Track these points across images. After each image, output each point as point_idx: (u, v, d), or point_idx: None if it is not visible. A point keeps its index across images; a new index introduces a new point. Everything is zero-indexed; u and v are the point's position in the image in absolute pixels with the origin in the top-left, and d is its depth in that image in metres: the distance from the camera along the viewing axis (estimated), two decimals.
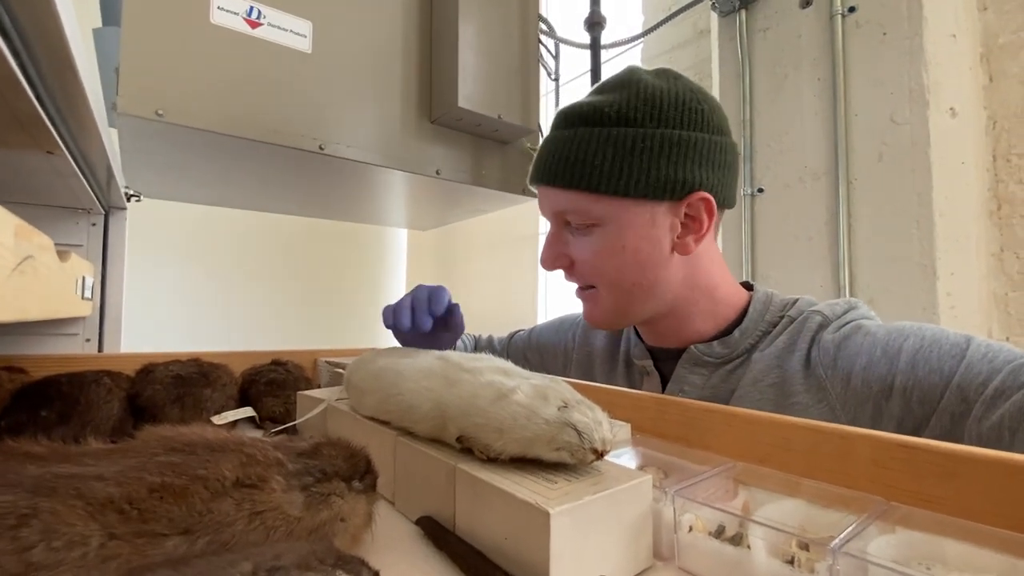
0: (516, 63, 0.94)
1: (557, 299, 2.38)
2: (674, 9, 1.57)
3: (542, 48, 1.03)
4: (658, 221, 0.54)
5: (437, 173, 0.90)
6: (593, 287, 0.59)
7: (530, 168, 0.61)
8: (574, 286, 0.62)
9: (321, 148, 0.77)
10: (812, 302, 0.58)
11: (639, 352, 0.65)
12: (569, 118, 0.56)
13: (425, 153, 0.89)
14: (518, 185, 1.02)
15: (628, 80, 0.55)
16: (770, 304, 0.59)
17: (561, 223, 0.59)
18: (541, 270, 2.47)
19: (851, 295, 1.18)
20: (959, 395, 0.43)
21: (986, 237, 1.16)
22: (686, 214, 0.55)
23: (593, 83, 1.40)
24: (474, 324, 0.80)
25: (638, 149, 0.52)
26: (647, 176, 0.53)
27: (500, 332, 0.94)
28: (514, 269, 2.55)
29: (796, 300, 0.58)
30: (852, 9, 1.20)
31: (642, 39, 1.69)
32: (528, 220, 2.42)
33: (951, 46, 1.13)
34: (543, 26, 1.04)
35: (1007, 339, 1.13)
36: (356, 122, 0.82)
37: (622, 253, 0.55)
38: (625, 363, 0.68)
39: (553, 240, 0.60)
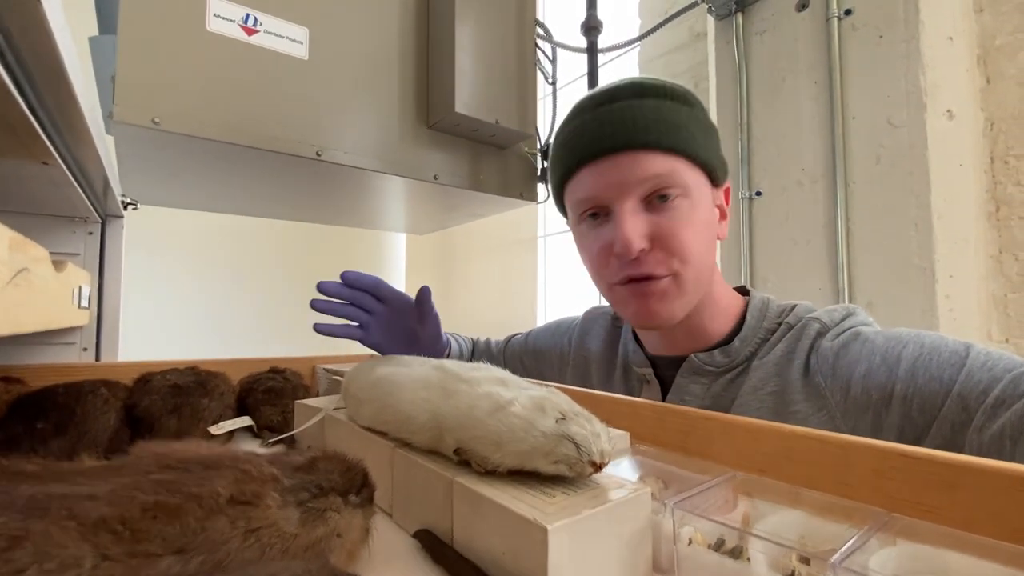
0: (513, 68, 0.94)
1: (557, 302, 2.38)
2: (670, 12, 1.57)
3: (539, 53, 1.03)
4: (713, 203, 0.57)
5: (435, 178, 0.90)
6: (667, 276, 0.53)
7: (597, 136, 0.53)
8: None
9: (319, 154, 0.77)
10: (810, 308, 0.57)
11: (639, 359, 0.64)
12: (644, 89, 0.53)
13: (423, 158, 0.89)
14: (516, 189, 1.02)
15: (650, 78, 0.57)
16: (767, 310, 0.58)
17: (641, 197, 0.53)
18: (540, 273, 2.48)
19: (850, 298, 1.18)
20: (960, 404, 0.42)
21: (984, 239, 1.16)
22: (716, 204, 0.58)
23: (591, 87, 1.40)
24: (473, 327, 0.80)
25: (710, 130, 0.56)
26: (718, 156, 0.57)
27: (499, 336, 0.94)
28: (513, 272, 2.55)
29: (794, 306, 0.58)
30: (848, 12, 1.20)
31: (639, 43, 1.70)
32: (527, 224, 2.42)
33: (948, 48, 1.13)
34: (540, 31, 1.04)
35: (1007, 341, 1.13)
36: (354, 128, 0.82)
37: (705, 228, 0.55)
38: (623, 369, 0.68)
39: (634, 217, 0.52)
